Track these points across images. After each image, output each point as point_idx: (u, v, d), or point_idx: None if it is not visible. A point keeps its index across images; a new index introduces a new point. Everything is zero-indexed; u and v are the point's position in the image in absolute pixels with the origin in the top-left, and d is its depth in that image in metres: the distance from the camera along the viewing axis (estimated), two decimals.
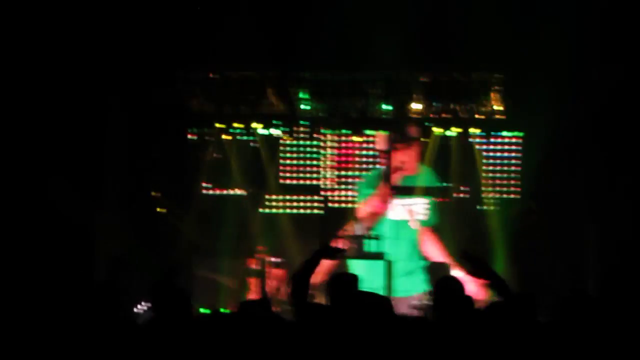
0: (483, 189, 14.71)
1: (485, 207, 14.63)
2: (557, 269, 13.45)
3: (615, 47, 12.33)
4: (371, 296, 4.41)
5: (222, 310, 13.31)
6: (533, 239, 13.78)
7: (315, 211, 15.15)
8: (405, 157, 13.47)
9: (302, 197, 15.16)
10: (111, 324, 5.39)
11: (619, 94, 12.51)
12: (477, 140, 14.52)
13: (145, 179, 14.17)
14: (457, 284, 6.70)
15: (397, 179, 13.46)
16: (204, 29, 12.83)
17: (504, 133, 14.46)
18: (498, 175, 14.70)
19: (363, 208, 13.73)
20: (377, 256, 14.26)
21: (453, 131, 14.28)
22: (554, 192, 13.78)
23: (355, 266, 13.52)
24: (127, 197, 13.70)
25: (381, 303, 4.32)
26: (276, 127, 14.50)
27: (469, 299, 6.90)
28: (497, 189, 14.68)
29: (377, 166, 14.39)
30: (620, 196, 12.78)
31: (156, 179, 14.29)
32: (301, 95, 14.22)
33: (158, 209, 14.31)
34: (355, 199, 14.35)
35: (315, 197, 15.14)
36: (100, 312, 5.42)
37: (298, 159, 15.00)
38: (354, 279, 7.39)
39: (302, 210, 15.16)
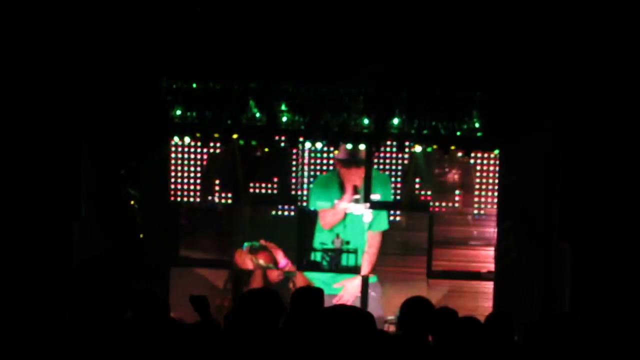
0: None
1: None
2: (534, 288, 13.49)
3: (593, 74, 12.37)
4: (351, 311, 3.93)
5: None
6: (509, 259, 13.87)
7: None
8: (355, 177, 14.76)
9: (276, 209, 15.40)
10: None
11: (595, 119, 12.55)
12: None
13: (124, 187, 14.13)
14: (423, 303, 6.63)
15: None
16: (187, 38, 12.78)
17: (483, 151, 14.52)
18: (476, 192, 14.82)
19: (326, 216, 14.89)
20: (354, 270, 14.44)
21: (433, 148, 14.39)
22: (529, 211, 13.84)
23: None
24: (105, 205, 13.62)
25: (363, 319, 3.83)
26: (256, 138, 14.49)
27: (445, 314, 6.90)
28: (476, 205, 14.81)
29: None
30: (594, 215, 12.81)
31: (136, 188, 14.27)
32: (282, 107, 14.22)
33: (137, 220, 14.34)
34: (310, 202, 15.09)
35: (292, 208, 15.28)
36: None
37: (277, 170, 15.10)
38: (320, 293, 7.22)
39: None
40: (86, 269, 4.54)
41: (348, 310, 3.83)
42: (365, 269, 14.70)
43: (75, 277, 4.52)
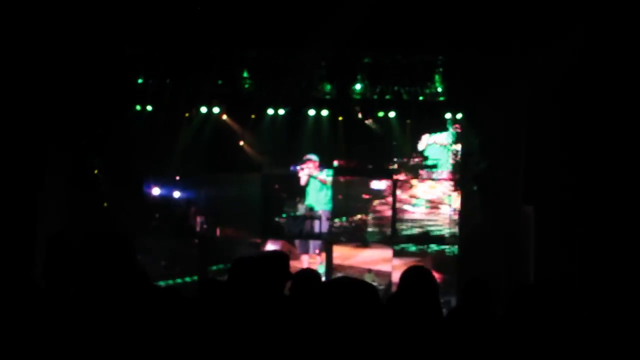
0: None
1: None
2: (497, 252, 13.56)
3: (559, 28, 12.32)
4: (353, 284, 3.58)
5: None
6: (474, 221, 13.97)
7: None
8: None
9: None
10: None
11: (563, 78, 12.51)
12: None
13: (88, 157, 13.99)
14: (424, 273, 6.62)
15: None
16: (149, 5, 12.61)
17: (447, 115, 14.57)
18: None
19: None
20: (318, 236, 14.47)
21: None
22: (492, 173, 13.90)
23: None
24: (69, 176, 13.49)
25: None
26: (218, 105, 14.44)
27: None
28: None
29: None
30: (557, 178, 12.84)
31: (100, 157, 14.15)
32: (245, 74, 14.14)
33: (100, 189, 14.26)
34: None
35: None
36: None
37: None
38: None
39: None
40: (92, 246, 4.42)
41: (352, 282, 3.66)
42: None
43: (81, 254, 4.42)
